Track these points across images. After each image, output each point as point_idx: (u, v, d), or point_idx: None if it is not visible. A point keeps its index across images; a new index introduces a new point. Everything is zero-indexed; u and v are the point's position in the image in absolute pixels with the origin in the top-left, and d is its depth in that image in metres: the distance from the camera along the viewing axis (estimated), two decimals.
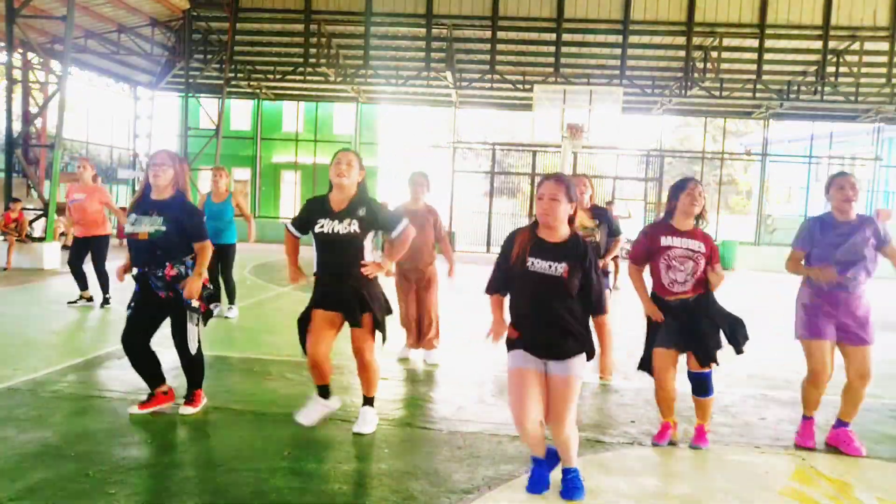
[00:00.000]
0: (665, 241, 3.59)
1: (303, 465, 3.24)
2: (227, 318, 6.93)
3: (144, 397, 3.92)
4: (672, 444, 3.73)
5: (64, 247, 12.18)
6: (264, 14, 16.27)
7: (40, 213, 13.31)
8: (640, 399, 4.58)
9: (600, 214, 5.05)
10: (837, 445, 3.78)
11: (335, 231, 3.55)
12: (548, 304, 2.87)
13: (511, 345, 2.98)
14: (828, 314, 3.72)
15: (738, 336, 3.67)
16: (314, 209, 3.67)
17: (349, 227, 3.55)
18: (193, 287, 3.73)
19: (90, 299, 7.40)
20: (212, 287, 4.01)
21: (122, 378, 4.56)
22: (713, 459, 3.57)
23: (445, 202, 21.18)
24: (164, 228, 3.71)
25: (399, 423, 3.92)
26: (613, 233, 5.16)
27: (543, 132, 15.51)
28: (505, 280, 3.00)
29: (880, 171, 21.54)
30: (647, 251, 3.66)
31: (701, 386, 3.66)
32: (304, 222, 3.69)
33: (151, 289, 3.76)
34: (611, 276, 5.18)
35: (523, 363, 2.91)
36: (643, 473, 3.37)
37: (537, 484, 3.05)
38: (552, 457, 3.07)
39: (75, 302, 7.37)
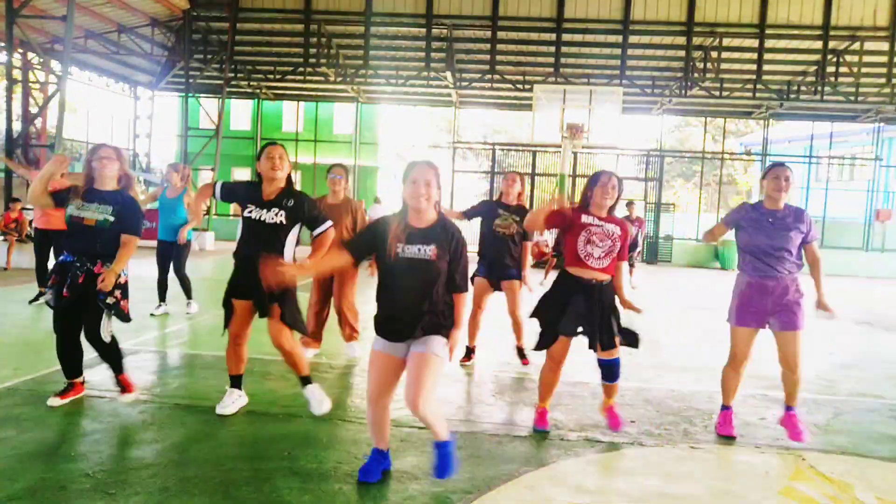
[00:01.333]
0: (586, 219, 3.73)
1: (303, 465, 3.24)
2: (188, 314, 6.97)
3: (63, 388, 4.01)
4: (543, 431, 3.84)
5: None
6: (264, 14, 16.27)
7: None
8: (639, 399, 4.58)
9: (521, 213, 5.25)
10: (784, 427, 3.91)
11: (262, 219, 3.73)
12: (409, 287, 2.91)
13: (378, 327, 3.02)
14: (757, 302, 3.80)
15: (631, 333, 3.82)
16: (246, 192, 3.86)
17: (276, 217, 3.73)
18: (109, 279, 3.72)
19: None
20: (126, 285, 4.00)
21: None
22: (713, 459, 3.57)
23: (445, 202, 21.18)
24: (111, 219, 3.77)
25: (399, 423, 3.92)
26: (526, 237, 5.31)
27: (543, 132, 15.51)
28: (361, 246, 3.03)
29: (880, 171, 21.54)
30: (563, 220, 3.74)
31: (611, 372, 3.81)
32: (232, 193, 3.93)
33: (73, 278, 3.78)
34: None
35: (379, 347, 2.98)
36: (643, 473, 3.37)
37: (368, 473, 3.07)
38: (388, 461, 3.16)
39: (36, 299, 7.30)
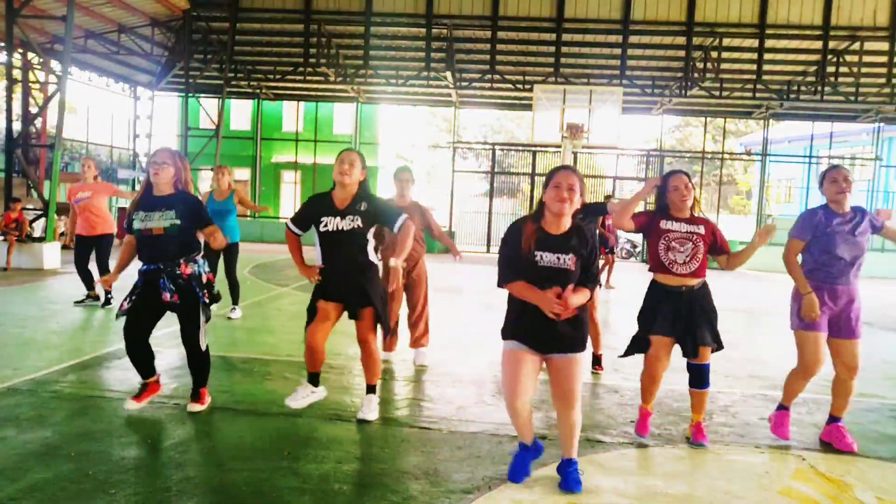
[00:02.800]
0: (665, 224, 3.65)
1: (303, 465, 3.24)
2: (229, 318, 6.93)
3: (138, 391, 3.97)
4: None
5: (64, 246, 12.18)
6: (264, 14, 16.27)
7: (40, 213, 13.31)
8: (639, 399, 4.57)
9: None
10: (830, 441, 3.83)
11: (339, 228, 3.70)
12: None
13: (507, 335, 3.03)
14: (824, 306, 3.72)
15: (718, 340, 3.72)
16: (317, 207, 3.80)
17: (352, 222, 3.71)
18: (219, 238, 3.79)
19: (97, 298, 7.43)
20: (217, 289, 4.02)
21: (122, 378, 4.56)
22: (713, 459, 3.57)
23: (445, 202, 21.20)
24: (178, 222, 3.74)
25: (399, 423, 3.92)
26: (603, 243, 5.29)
27: (543, 132, 15.51)
28: (517, 270, 2.96)
29: (880, 171, 21.55)
30: (647, 224, 3.69)
31: (698, 377, 3.69)
32: (305, 220, 3.83)
33: (157, 288, 3.75)
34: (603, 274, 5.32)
35: (518, 346, 2.98)
36: (643, 473, 3.37)
37: (519, 471, 3.10)
38: (537, 448, 3.18)
39: (82, 301, 7.40)
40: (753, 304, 10.42)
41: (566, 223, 2.94)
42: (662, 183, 3.71)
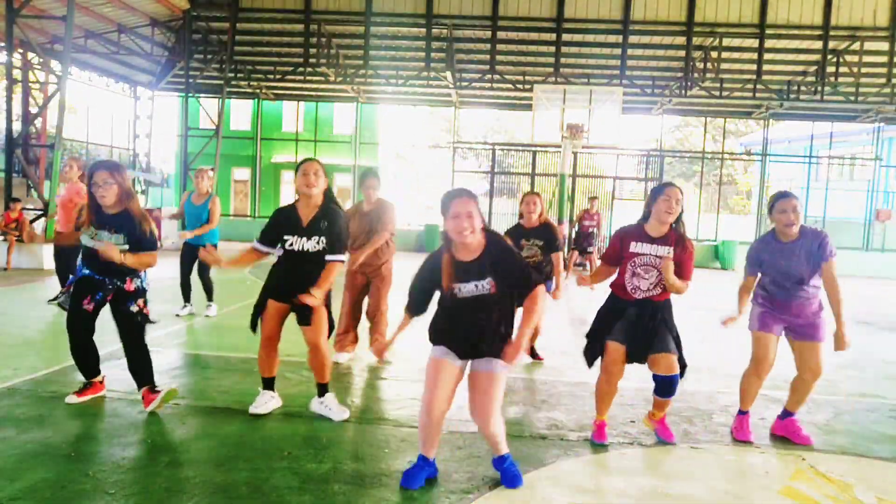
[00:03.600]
0: (633, 247, 3.59)
1: (303, 465, 3.24)
2: (207, 316, 6.99)
3: (81, 386, 4.08)
4: (601, 444, 3.76)
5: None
6: (264, 14, 16.26)
7: (40, 213, 13.30)
8: (639, 399, 4.58)
9: (545, 233, 5.23)
10: (787, 435, 3.89)
11: (304, 249, 3.74)
12: (474, 321, 2.92)
13: (434, 341, 3.05)
14: (777, 314, 3.83)
15: (681, 356, 3.63)
16: (282, 225, 3.80)
17: (318, 244, 3.74)
18: (111, 253, 3.65)
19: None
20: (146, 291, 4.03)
21: (122, 378, 4.56)
22: (713, 459, 3.57)
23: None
24: (126, 247, 3.76)
25: (399, 423, 3.92)
26: (555, 248, 5.28)
27: (543, 132, 15.50)
28: (422, 301, 3.05)
29: (880, 171, 21.54)
30: (617, 254, 3.66)
31: (666, 388, 3.59)
32: (273, 240, 3.83)
33: (89, 292, 3.83)
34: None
35: (443, 355, 2.98)
36: (643, 473, 3.37)
37: (413, 479, 3.03)
38: (434, 467, 3.13)
39: (55, 299, 7.35)
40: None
41: (477, 247, 2.90)
42: (657, 189, 3.64)
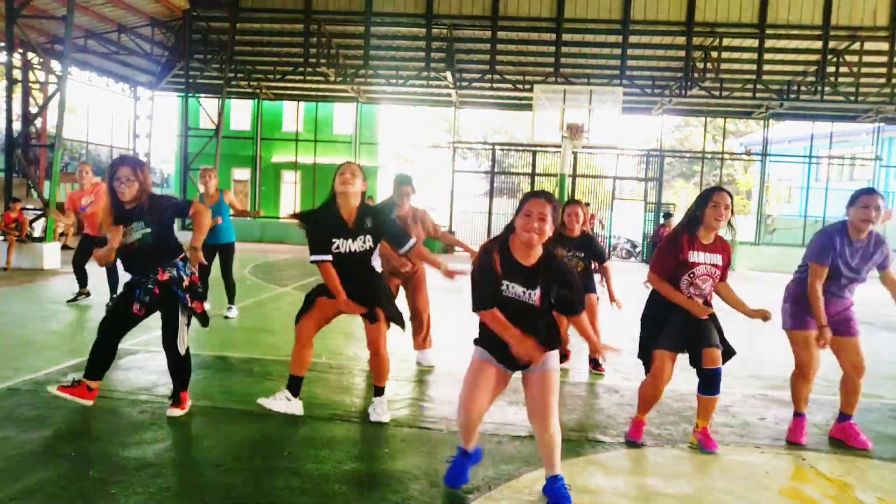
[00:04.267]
0: (693, 256, 3.52)
1: (303, 465, 3.24)
2: (226, 317, 6.94)
3: (70, 382, 3.88)
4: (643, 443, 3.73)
5: (64, 246, 12.19)
6: (264, 14, 16.27)
7: (40, 213, 13.31)
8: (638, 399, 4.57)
9: (586, 244, 5.15)
10: (843, 439, 3.85)
11: (351, 251, 3.70)
12: (519, 323, 2.81)
13: (479, 342, 2.97)
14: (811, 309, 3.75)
15: (727, 347, 3.68)
16: (326, 229, 3.71)
17: (364, 244, 3.71)
18: (195, 256, 3.80)
19: (88, 294, 7.47)
20: (201, 287, 3.99)
21: (122, 378, 4.57)
22: (713, 459, 3.57)
23: (445, 202, 21.20)
24: (149, 230, 3.72)
25: (399, 423, 3.92)
26: (600, 258, 5.23)
27: (543, 132, 15.51)
28: (491, 294, 2.84)
29: (880, 171, 21.54)
30: (675, 265, 3.54)
31: (710, 383, 3.56)
32: (325, 246, 3.71)
33: (135, 297, 3.77)
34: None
35: (485, 357, 2.92)
36: (643, 473, 3.37)
37: (457, 477, 3.02)
38: (478, 454, 3.12)
39: (75, 300, 7.40)
40: (753, 305, 10.42)
41: (537, 253, 2.82)
42: (705, 194, 3.56)
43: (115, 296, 7.41)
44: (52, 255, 11.30)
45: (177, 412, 3.86)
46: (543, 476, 3.12)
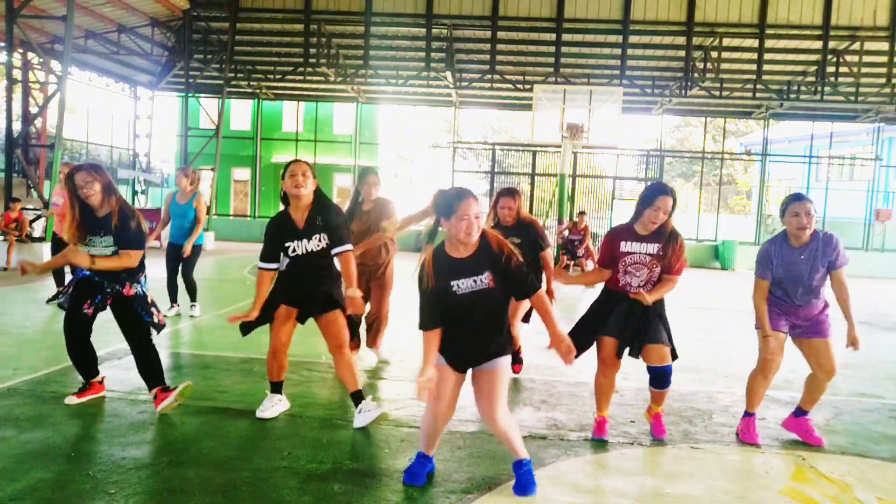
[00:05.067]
0: (624, 246, 3.63)
1: (303, 465, 3.24)
2: (192, 316, 6.99)
3: (80, 387, 4.05)
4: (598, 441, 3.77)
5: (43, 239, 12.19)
6: (264, 14, 16.27)
7: (40, 213, 13.31)
8: (639, 399, 4.57)
9: (524, 230, 4.92)
10: (798, 434, 3.90)
11: (308, 250, 3.69)
12: (477, 320, 2.88)
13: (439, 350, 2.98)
14: (783, 314, 3.80)
15: (673, 349, 3.71)
16: (278, 236, 3.74)
17: (320, 243, 3.69)
18: (79, 259, 3.68)
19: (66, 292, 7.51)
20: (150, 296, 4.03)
21: (122, 378, 4.57)
22: (713, 459, 3.57)
23: None
24: (115, 248, 3.75)
25: (399, 423, 3.92)
26: (541, 247, 4.93)
27: (543, 132, 15.51)
28: (437, 310, 2.90)
29: (880, 171, 21.55)
30: (610, 255, 3.70)
31: (660, 379, 3.68)
32: (274, 254, 3.76)
33: (89, 295, 3.81)
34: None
35: (443, 363, 2.95)
36: (643, 473, 3.37)
37: (417, 475, 3.05)
38: (432, 463, 3.14)
39: (55, 298, 7.36)
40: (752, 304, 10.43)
41: (472, 245, 2.86)
42: (648, 195, 3.61)
43: (62, 292, 7.44)
44: (51, 255, 11.30)
45: (162, 406, 3.85)
46: (543, 476, 3.12)
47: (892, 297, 12.66)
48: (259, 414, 3.86)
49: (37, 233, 13.17)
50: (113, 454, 3.26)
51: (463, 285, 2.84)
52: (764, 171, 22.05)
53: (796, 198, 3.70)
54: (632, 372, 4.92)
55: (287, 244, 3.71)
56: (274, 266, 3.78)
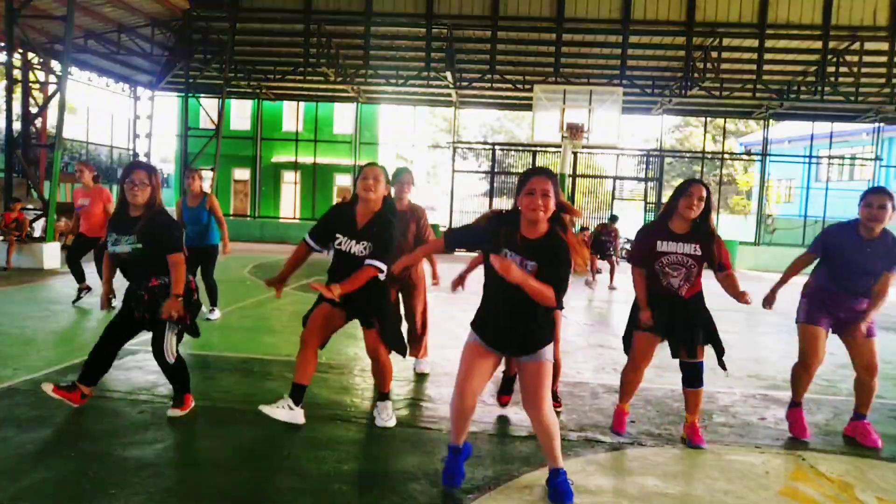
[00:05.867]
0: (661, 245, 3.61)
1: (303, 465, 3.24)
2: (208, 319, 6.94)
3: (68, 385, 3.88)
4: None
5: (64, 247, 12.19)
6: (264, 14, 16.27)
7: (40, 213, 13.31)
8: (639, 399, 4.57)
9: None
10: (854, 436, 3.92)
11: (351, 251, 3.66)
12: (512, 301, 2.84)
13: (474, 326, 3.02)
14: (828, 308, 3.82)
15: (716, 347, 3.73)
16: (336, 221, 3.73)
17: (364, 249, 3.65)
18: (171, 307, 3.64)
19: (90, 289, 7.47)
20: (198, 299, 3.96)
21: (122, 378, 4.57)
22: (713, 459, 3.57)
23: (445, 202, 21.20)
24: (140, 246, 3.71)
25: (399, 423, 3.92)
26: (558, 287, 4.84)
27: (543, 132, 15.51)
28: (468, 240, 3.02)
29: (880, 171, 21.54)
30: (644, 254, 3.68)
31: (692, 376, 3.70)
32: (323, 234, 3.75)
33: (138, 300, 3.78)
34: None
35: (479, 342, 2.97)
36: (643, 473, 3.37)
37: (454, 476, 3.04)
38: (467, 450, 3.14)
39: (79, 298, 7.39)
40: (753, 304, 10.43)
41: (542, 229, 2.85)
42: (681, 186, 3.62)
43: (82, 288, 7.51)
44: (52, 255, 11.30)
45: (176, 412, 3.85)
46: (543, 476, 3.12)
47: (892, 297, 12.67)
48: (262, 408, 3.63)
49: (37, 233, 13.16)
50: (113, 454, 3.26)
51: (511, 258, 2.81)
52: (764, 171, 22.05)
53: (875, 189, 3.74)
54: None
55: (338, 236, 3.70)
56: (316, 247, 3.77)
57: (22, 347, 5.40)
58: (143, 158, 20.81)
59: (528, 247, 2.83)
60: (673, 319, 3.64)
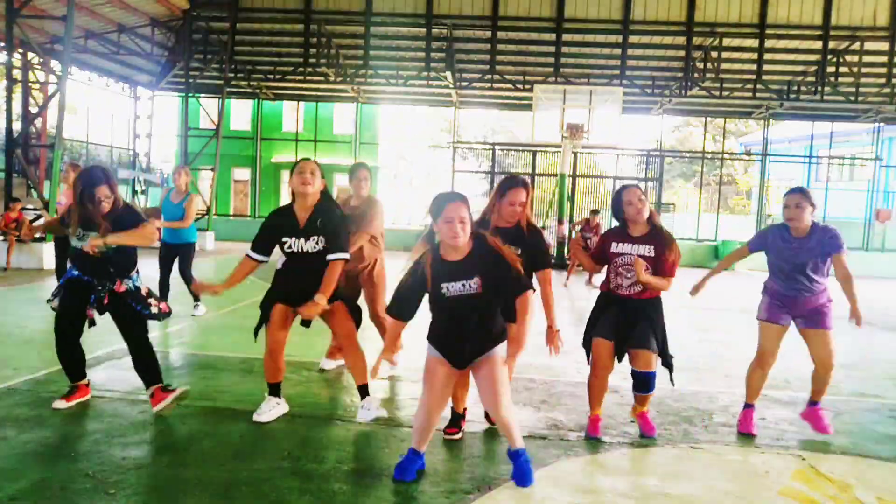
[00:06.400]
0: (615, 247, 3.70)
1: (303, 465, 3.24)
2: (194, 315, 6.96)
3: (67, 391, 3.99)
4: (595, 438, 3.78)
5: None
6: (264, 14, 16.27)
7: (40, 213, 13.30)
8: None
9: (529, 239, 4.28)
10: (808, 421, 4.02)
11: (304, 250, 3.68)
12: (466, 322, 2.96)
13: (430, 340, 3.09)
14: (784, 305, 3.89)
15: (666, 355, 3.77)
16: (277, 228, 3.75)
17: (317, 244, 3.67)
18: (96, 242, 3.66)
19: None
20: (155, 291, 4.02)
21: (122, 378, 4.56)
22: (713, 459, 3.57)
23: None
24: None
25: (399, 423, 3.92)
26: (542, 264, 4.72)
27: (543, 132, 15.52)
28: (409, 303, 3.02)
29: (880, 171, 21.54)
30: (602, 255, 3.80)
31: (643, 384, 3.72)
32: (267, 244, 3.77)
33: (85, 300, 3.80)
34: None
35: (437, 356, 3.04)
36: (643, 473, 3.37)
37: (407, 470, 3.09)
38: (422, 459, 3.17)
39: (52, 300, 7.36)
40: (752, 304, 10.43)
41: (464, 248, 2.91)
42: (616, 199, 3.74)
43: (56, 293, 7.44)
44: (51, 255, 11.28)
45: (159, 407, 3.82)
46: (543, 476, 3.13)
47: (892, 297, 12.66)
48: (256, 417, 3.80)
49: (36, 233, 13.15)
50: (113, 454, 3.26)
51: (452, 288, 2.90)
52: (764, 171, 22.05)
53: (791, 190, 3.92)
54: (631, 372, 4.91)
55: (285, 240, 3.71)
56: (260, 259, 3.78)
57: (22, 347, 5.40)
58: (143, 158, 20.81)
59: (461, 269, 2.89)
60: (625, 323, 3.67)
